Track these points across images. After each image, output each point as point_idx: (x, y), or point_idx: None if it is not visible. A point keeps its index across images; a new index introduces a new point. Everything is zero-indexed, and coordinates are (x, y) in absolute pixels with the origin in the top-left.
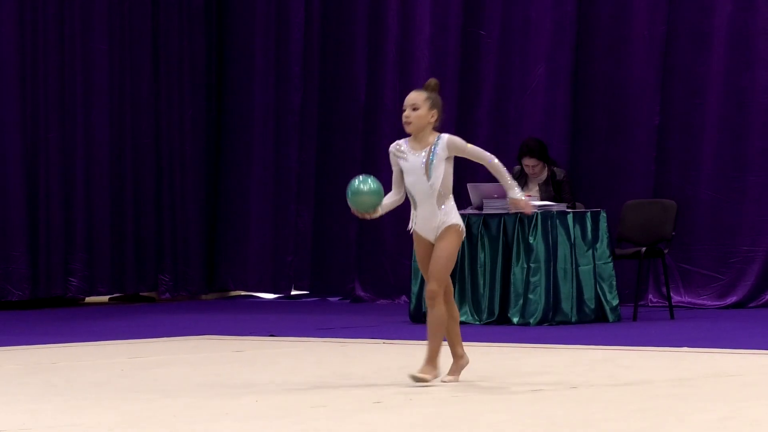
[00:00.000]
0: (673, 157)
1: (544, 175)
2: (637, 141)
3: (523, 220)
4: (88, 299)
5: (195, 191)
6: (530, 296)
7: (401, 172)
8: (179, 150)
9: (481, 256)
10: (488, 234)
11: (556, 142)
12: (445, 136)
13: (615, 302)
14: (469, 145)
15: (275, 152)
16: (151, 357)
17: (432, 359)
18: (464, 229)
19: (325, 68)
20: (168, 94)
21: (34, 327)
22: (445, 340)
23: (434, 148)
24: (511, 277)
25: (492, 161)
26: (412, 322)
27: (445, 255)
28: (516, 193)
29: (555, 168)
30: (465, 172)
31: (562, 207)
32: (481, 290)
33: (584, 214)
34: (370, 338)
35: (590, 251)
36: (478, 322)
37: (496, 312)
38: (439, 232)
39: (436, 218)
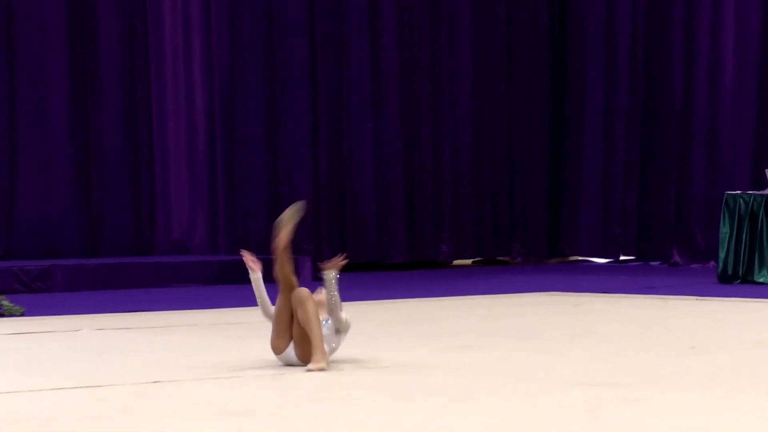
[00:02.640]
0: None
1: None
2: None
3: None
4: (455, 262)
5: (540, 177)
6: None
7: None
8: (528, 144)
9: None
10: None
11: None
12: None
13: None
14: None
15: (604, 145)
16: (506, 309)
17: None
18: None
19: (649, 75)
20: (519, 99)
21: (412, 284)
22: None
23: None
24: None
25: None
26: (720, 282)
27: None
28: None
29: None
30: (763, 155)
31: None
32: None
33: None
34: (685, 295)
35: None
36: None
37: None
38: None
39: None
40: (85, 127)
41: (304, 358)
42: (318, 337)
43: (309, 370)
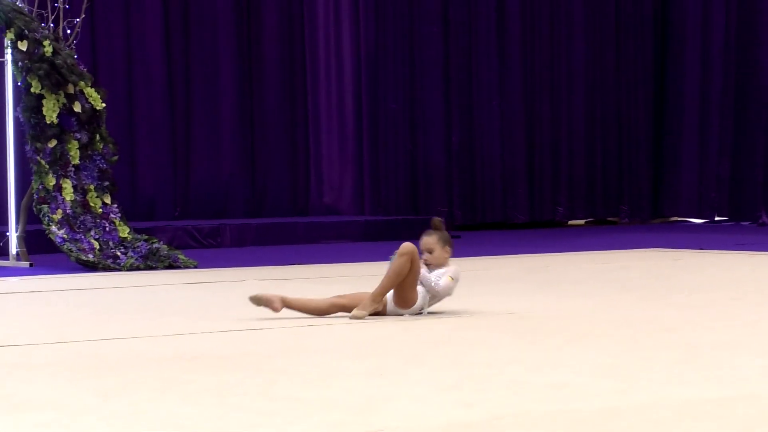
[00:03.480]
0: None
1: None
2: None
3: None
4: (570, 222)
5: (645, 148)
6: None
7: None
8: (634, 120)
9: None
10: None
11: None
12: (451, 269)
13: None
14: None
15: (701, 119)
16: (615, 263)
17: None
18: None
19: (740, 59)
20: (626, 80)
21: (532, 241)
22: None
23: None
24: None
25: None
26: None
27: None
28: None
29: None
30: None
31: None
32: None
33: None
34: None
35: None
36: None
37: None
38: None
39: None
40: (250, 104)
41: (400, 304)
42: (379, 290)
43: (352, 317)
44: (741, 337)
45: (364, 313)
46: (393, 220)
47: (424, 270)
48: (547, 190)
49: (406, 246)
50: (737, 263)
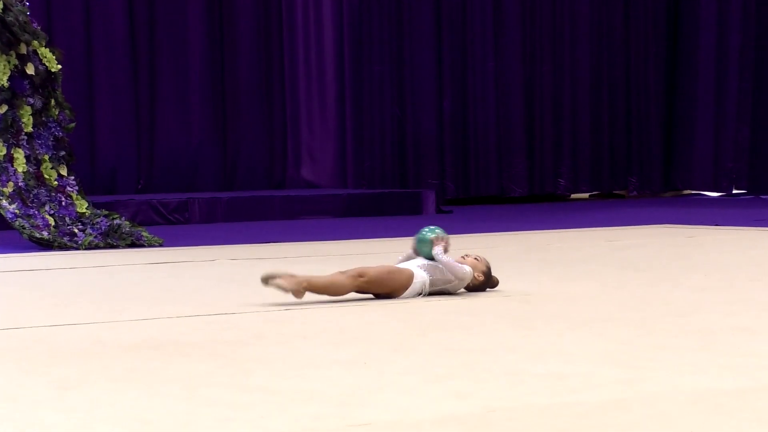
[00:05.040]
0: None
1: None
2: None
3: None
4: (573, 196)
5: (656, 113)
6: None
7: None
8: (644, 80)
9: None
10: None
11: None
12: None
13: None
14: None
15: (717, 82)
16: (622, 240)
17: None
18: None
19: (761, 17)
20: (635, 38)
21: (531, 217)
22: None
23: None
24: None
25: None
26: None
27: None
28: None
29: None
30: None
31: None
32: None
33: None
34: None
35: None
36: None
37: None
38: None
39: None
40: (221, 66)
41: (390, 291)
42: (313, 284)
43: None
44: (761, 321)
45: (287, 288)
46: (378, 194)
47: (445, 257)
48: (547, 160)
49: (372, 273)
50: (757, 241)
